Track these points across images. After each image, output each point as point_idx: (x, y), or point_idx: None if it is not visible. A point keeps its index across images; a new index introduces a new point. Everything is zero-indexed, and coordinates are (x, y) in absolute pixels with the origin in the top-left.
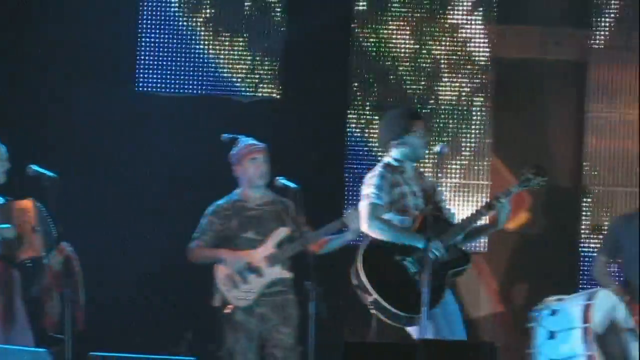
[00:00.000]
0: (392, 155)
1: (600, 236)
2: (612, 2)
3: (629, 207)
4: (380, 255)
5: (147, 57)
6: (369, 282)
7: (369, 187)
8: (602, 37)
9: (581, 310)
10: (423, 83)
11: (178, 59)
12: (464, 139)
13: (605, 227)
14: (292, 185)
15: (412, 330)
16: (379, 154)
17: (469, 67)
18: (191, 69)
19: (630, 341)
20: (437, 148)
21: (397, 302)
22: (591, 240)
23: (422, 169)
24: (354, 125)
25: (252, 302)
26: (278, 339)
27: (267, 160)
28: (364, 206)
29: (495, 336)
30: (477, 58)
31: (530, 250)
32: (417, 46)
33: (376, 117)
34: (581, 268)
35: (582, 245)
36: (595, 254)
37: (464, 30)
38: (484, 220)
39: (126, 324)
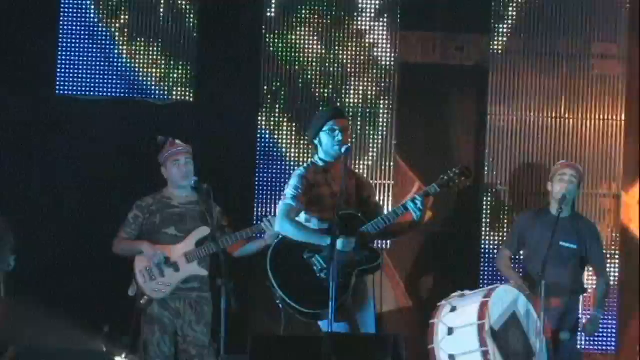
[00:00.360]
0: (317, 154)
1: (500, 233)
2: (510, 9)
3: (528, 205)
4: (289, 253)
5: (65, 61)
6: (275, 279)
7: (287, 187)
8: (501, 43)
9: (478, 307)
10: (330, 86)
11: (95, 63)
12: (369, 140)
13: (505, 224)
14: (205, 185)
15: (322, 325)
16: (288, 154)
17: (374, 71)
18: (107, 72)
19: (531, 334)
20: (342, 149)
21: (301, 299)
22: (491, 238)
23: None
24: (263, 128)
25: (167, 295)
26: (192, 335)
27: (191, 161)
28: (279, 205)
29: (400, 329)
30: (382, 62)
31: (432, 246)
32: (325, 51)
33: (285, 120)
34: (481, 264)
35: (482, 242)
36: (496, 250)
37: (369, 36)
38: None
39: (43, 318)
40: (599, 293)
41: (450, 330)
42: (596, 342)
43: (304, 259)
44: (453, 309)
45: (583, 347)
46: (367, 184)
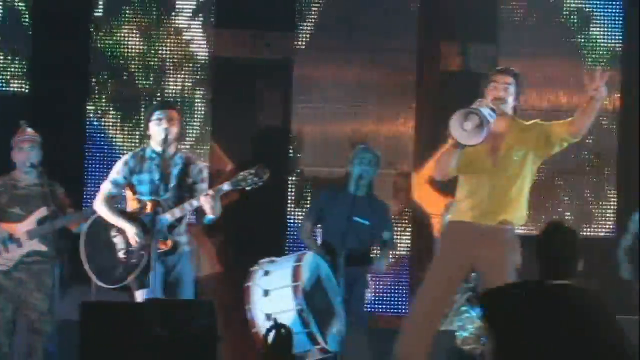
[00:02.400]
0: (148, 143)
1: (304, 208)
2: (313, 9)
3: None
4: (100, 232)
5: None
6: (83, 255)
7: (112, 170)
8: (305, 39)
9: (292, 270)
10: (152, 79)
11: None
12: (187, 127)
13: (308, 200)
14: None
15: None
16: (115, 139)
17: (191, 64)
18: None
19: (332, 297)
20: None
21: (102, 274)
22: (295, 212)
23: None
24: (92, 116)
25: (11, 268)
26: (32, 303)
27: (36, 148)
28: (101, 186)
29: (215, 294)
30: (198, 57)
31: (244, 220)
32: (146, 47)
33: (111, 109)
34: (287, 235)
35: (287, 215)
36: (299, 223)
37: (186, 33)
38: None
39: None
40: (382, 257)
41: (266, 292)
42: (389, 306)
43: (110, 239)
44: (267, 273)
45: (377, 310)
46: (196, 171)
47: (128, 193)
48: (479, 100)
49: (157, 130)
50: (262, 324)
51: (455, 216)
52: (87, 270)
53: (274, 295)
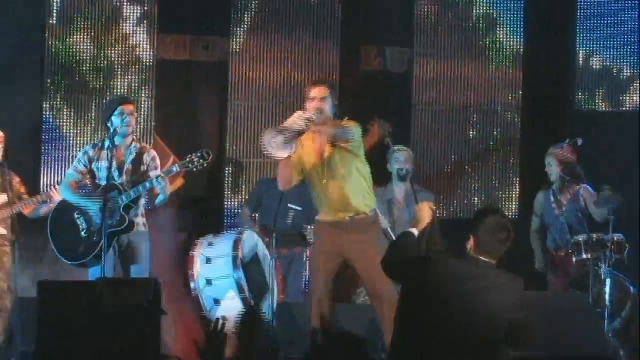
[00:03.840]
0: (107, 134)
1: (238, 196)
2: (246, 15)
3: (261, 174)
4: (65, 214)
5: None
6: (50, 235)
7: (74, 160)
8: (239, 43)
9: (232, 242)
10: (101, 79)
11: None
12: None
13: (243, 189)
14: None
15: (90, 272)
16: (68, 134)
17: (136, 66)
18: None
19: (267, 273)
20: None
21: (67, 252)
22: (231, 199)
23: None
24: (48, 113)
25: None
26: None
27: (0, 144)
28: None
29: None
30: (143, 60)
31: (185, 205)
32: (97, 51)
33: (65, 107)
34: (224, 220)
35: (224, 202)
36: (235, 209)
37: (132, 38)
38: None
39: None
40: None
41: (207, 260)
42: None
43: (74, 220)
44: (210, 244)
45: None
46: (149, 159)
47: (89, 179)
48: (298, 113)
49: (119, 122)
50: (202, 289)
51: (319, 217)
52: (53, 249)
53: (214, 263)
